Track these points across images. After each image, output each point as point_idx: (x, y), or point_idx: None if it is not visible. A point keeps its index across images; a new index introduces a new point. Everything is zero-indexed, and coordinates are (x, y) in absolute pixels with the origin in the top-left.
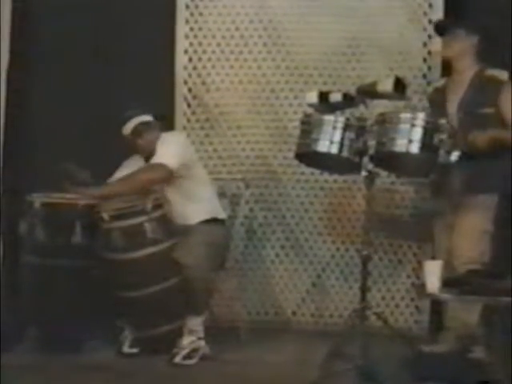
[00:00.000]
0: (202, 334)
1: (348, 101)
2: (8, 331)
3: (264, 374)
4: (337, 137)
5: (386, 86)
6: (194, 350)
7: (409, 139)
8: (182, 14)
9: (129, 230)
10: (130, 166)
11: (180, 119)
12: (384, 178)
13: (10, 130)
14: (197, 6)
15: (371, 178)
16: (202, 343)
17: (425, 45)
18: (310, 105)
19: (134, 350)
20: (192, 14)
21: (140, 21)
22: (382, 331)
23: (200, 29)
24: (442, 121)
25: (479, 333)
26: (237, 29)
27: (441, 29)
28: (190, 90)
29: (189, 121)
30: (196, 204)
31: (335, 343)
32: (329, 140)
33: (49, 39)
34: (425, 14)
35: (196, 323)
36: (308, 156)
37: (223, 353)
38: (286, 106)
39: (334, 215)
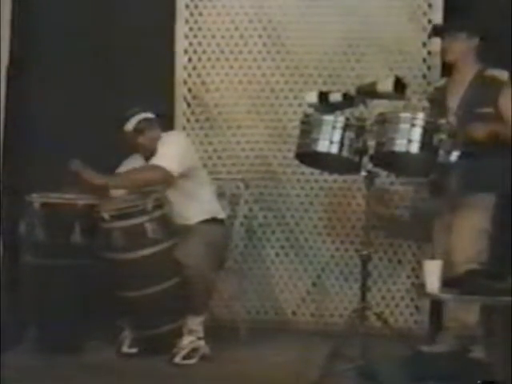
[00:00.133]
0: (201, 334)
1: (348, 101)
2: (8, 331)
3: (264, 373)
4: (336, 137)
5: (386, 85)
6: (194, 350)
7: (408, 139)
8: (181, 14)
9: (129, 230)
10: (131, 165)
11: (179, 119)
12: (384, 177)
13: (10, 130)
14: (196, 6)
15: (371, 177)
16: (202, 343)
17: (424, 45)
18: (310, 105)
19: (134, 350)
20: (192, 14)
21: (140, 21)
22: (382, 331)
23: (200, 29)
24: (442, 121)
25: (479, 333)
26: (236, 29)
27: (441, 32)
28: (189, 89)
29: (188, 121)
30: (196, 204)
31: (335, 343)
32: (328, 140)
33: (49, 39)
34: (424, 14)
35: (196, 323)
36: (308, 156)
37: (223, 353)
38: (285, 106)
39: (334, 215)
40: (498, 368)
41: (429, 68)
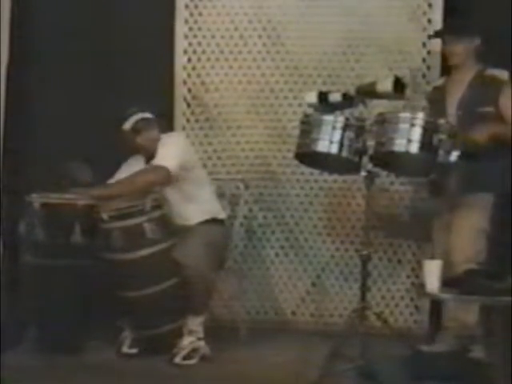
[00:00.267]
0: (201, 334)
1: (347, 101)
2: (8, 331)
3: (264, 374)
4: (336, 137)
5: (386, 85)
6: (194, 350)
7: (408, 139)
8: (181, 14)
9: (128, 231)
10: (131, 166)
11: (179, 119)
12: (383, 177)
13: (10, 130)
14: (196, 6)
15: (371, 177)
16: (202, 343)
17: (424, 45)
18: (310, 105)
19: (134, 350)
20: (191, 14)
21: (139, 21)
22: (382, 331)
23: (199, 29)
24: (442, 121)
25: (478, 332)
26: (236, 29)
27: (442, 35)
28: (189, 90)
29: (188, 121)
30: (195, 204)
31: (335, 343)
32: (328, 140)
33: (49, 39)
34: (424, 13)
35: (196, 323)
36: (307, 156)
37: (223, 353)
38: (285, 106)
39: (334, 215)
40: (498, 368)
41: (428, 68)
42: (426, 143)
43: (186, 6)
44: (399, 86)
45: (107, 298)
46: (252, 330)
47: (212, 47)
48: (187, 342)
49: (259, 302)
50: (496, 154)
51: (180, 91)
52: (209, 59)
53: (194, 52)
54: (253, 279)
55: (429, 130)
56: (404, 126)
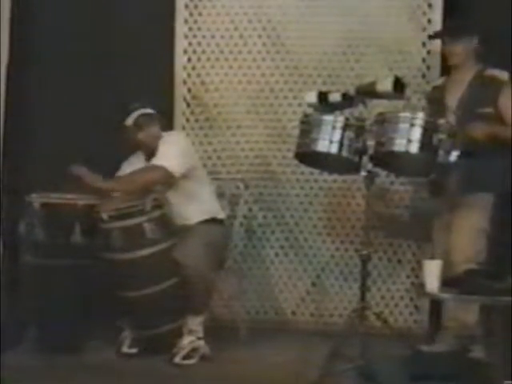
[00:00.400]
0: (201, 334)
1: (347, 100)
2: (8, 331)
3: (264, 373)
4: (336, 136)
5: (386, 85)
6: (194, 350)
7: (408, 139)
8: (181, 14)
9: (128, 231)
10: (132, 164)
11: (179, 119)
12: (383, 177)
13: (10, 130)
14: (196, 6)
15: (370, 177)
16: (202, 343)
17: (424, 44)
18: (310, 105)
19: (134, 350)
20: (191, 14)
21: (139, 21)
22: (382, 331)
23: (199, 29)
24: (441, 120)
25: (478, 332)
26: (236, 29)
27: (441, 36)
28: (189, 89)
29: (188, 121)
30: (195, 204)
31: (335, 343)
32: (328, 140)
33: (49, 39)
34: (424, 13)
35: (196, 323)
36: (307, 156)
37: (223, 353)
38: (285, 106)
39: (334, 215)
40: (498, 368)
41: (428, 68)
42: (426, 143)
43: (186, 6)
44: (399, 85)
45: (107, 298)
46: (252, 329)
47: (212, 47)
48: (187, 341)
49: (259, 301)
50: (496, 153)
51: (180, 91)
52: (209, 59)
53: (194, 52)
54: (253, 279)
55: (429, 130)
56: (404, 126)
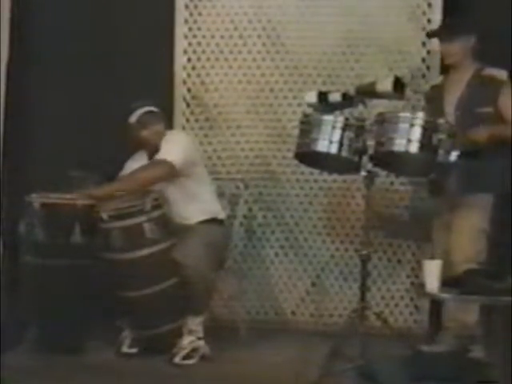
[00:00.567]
0: (201, 334)
1: (347, 100)
2: (8, 331)
3: (264, 373)
4: (336, 136)
5: (385, 85)
6: (194, 350)
7: (408, 139)
8: (180, 14)
9: (128, 230)
10: (135, 163)
11: (179, 119)
12: (383, 177)
13: (10, 130)
14: (196, 6)
15: (370, 177)
16: (202, 343)
17: (424, 44)
18: (309, 105)
19: (134, 350)
20: (191, 14)
21: (139, 21)
22: (382, 331)
23: (199, 29)
24: (441, 120)
25: (478, 332)
26: (235, 29)
27: (438, 35)
28: (188, 89)
29: (188, 121)
30: (196, 204)
31: (335, 343)
32: (328, 140)
33: (49, 39)
34: (424, 13)
35: (196, 323)
36: (307, 156)
37: (223, 353)
38: (284, 106)
39: (333, 215)
40: (498, 368)
41: (428, 68)
42: (426, 143)
43: (186, 7)
44: (399, 85)
45: (107, 298)
46: (252, 329)
47: (212, 47)
48: (187, 341)
49: (259, 301)
50: (496, 153)
51: (180, 91)
52: (208, 59)
53: (194, 52)
54: (253, 279)
55: (428, 130)
56: (404, 126)
